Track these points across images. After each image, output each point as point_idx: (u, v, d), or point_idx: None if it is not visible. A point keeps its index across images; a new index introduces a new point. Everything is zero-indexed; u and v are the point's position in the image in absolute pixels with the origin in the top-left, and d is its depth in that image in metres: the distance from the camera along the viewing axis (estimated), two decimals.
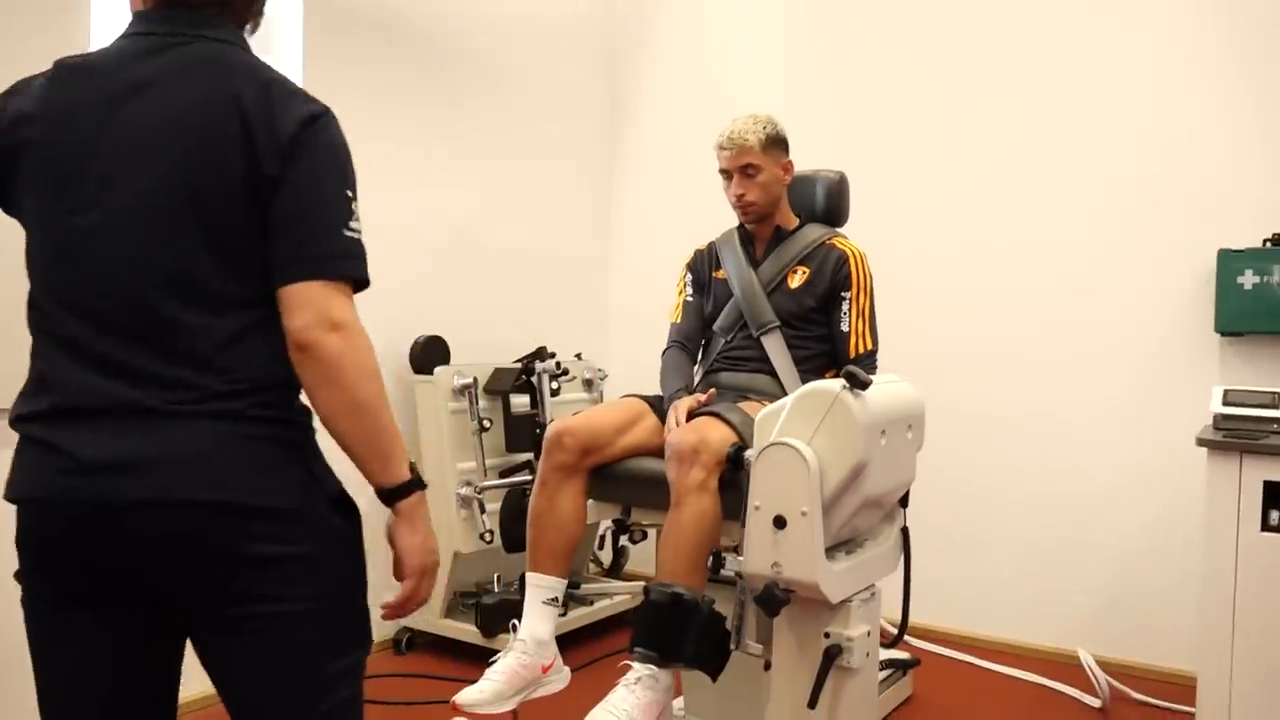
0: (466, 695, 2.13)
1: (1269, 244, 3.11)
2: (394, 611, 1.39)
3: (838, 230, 2.74)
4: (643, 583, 2.58)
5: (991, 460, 3.62)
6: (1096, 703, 3.09)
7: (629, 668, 2.05)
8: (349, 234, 1.33)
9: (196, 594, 1.25)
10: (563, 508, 2.35)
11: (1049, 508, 3.52)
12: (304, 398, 1.31)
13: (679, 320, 2.78)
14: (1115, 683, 3.15)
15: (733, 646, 2.07)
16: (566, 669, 2.32)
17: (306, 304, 1.25)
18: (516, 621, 2.29)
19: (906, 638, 3.56)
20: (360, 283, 1.33)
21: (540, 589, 2.29)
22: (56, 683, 1.30)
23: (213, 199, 1.25)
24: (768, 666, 2.14)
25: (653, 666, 2.04)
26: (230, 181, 1.25)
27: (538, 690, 2.24)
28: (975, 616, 3.65)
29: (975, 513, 3.66)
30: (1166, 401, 3.30)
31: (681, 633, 2.03)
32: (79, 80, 1.30)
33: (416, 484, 1.35)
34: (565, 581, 2.33)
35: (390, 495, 1.33)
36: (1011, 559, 3.59)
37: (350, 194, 1.37)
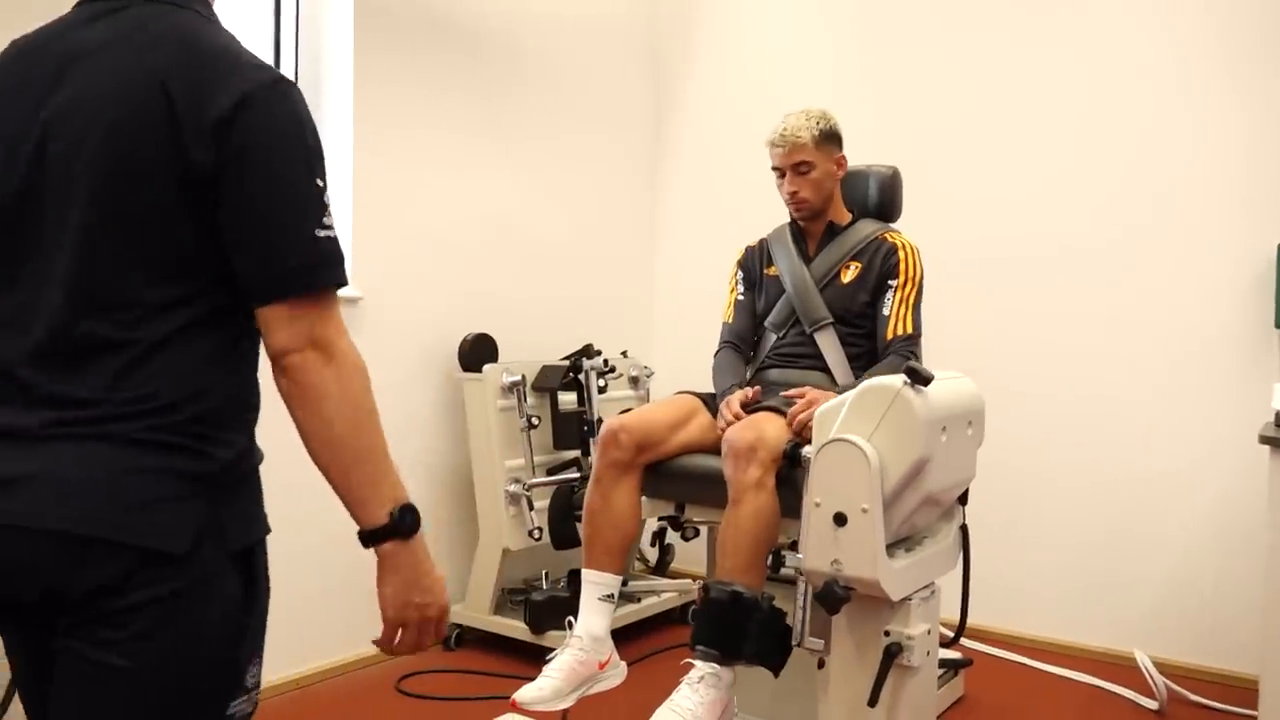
0: (526, 693, 2.14)
1: None
2: (384, 649, 1.26)
3: (891, 225, 2.72)
4: (689, 580, 2.58)
5: (1047, 457, 3.58)
6: (1153, 705, 3.04)
7: (691, 666, 2.05)
8: (322, 235, 1.13)
9: (46, 627, 1.09)
10: (618, 505, 2.35)
11: (1104, 505, 3.47)
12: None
13: (730, 320, 2.78)
14: (1173, 685, 3.10)
15: (794, 643, 2.06)
16: (623, 664, 2.33)
17: (284, 325, 1.11)
18: (572, 619, 2.29)
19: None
20: (340, 285, 1.16)
21: (596, 585, 2.30)
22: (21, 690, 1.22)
23: (129, 197, 1.07)
24: (821, 665, 2.13)
25: (715, 665, 2.03)
26: (151, 176, 1.07)
27: (595, 686, 2.25)
28: (1028, 616, 3.60)
29: (1028, 510, 3.61)
30: (1225, 397, 3.25)
31: (742, 631, 2.03)
32: (23, 60, 1.16)
33: (394, 530, 1.17)
34: (620, 578, 2.33)
35: (365, 538, 1.18)
36: (1065, 558, 3.54)
37: (319, 183, 1.15)
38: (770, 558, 2.11)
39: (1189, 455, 3.32)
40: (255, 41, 3.28)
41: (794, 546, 2.09)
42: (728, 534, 2.14)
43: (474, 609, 3.45)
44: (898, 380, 1.91)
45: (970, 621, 3.60)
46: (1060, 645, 3.52)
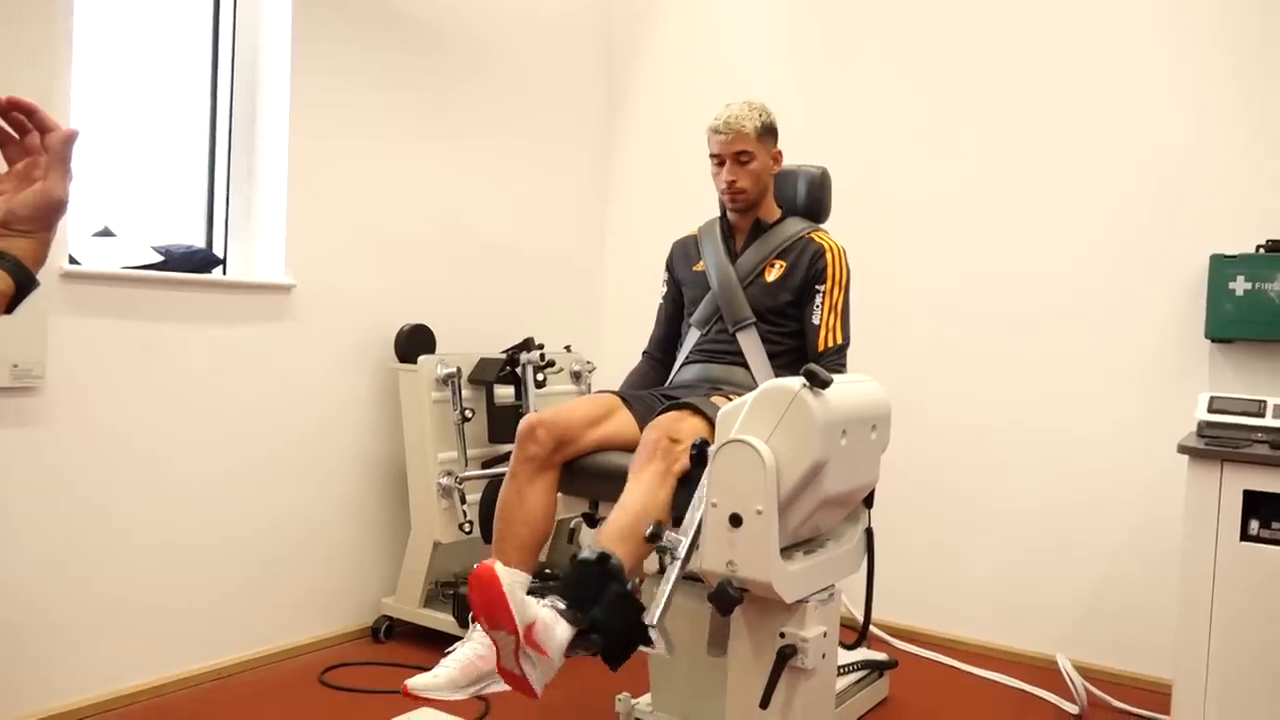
0: (419, 680, 2.09)
1: (1262, 250, 3.07)
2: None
3: (819, 225, 2.72)
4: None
5: (977, 463, 3.59)
6: (1074, 709, 3.06)
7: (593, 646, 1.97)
8: None
9: None
10: (532, 501, 2.32)
11: (1034, 512, 3.49)
12: None
13: (655, 326, 2.85)
14: (1093, 689, 3.12)
15: (647, 620, 1.98)
16: None
17: None
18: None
19: (885, 637, 3.60)
20: None
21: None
22: None
23: None
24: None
25: (558, 607, 1.94)
26: None
27: (493, 684, 2.17)
28: (956, 619, 3.62)
29: (959, 516, 3.63)
30: (1155, 407, 3.27)
31: (597, 593, 1.95)
32: None
33: None
34: (530, 576, 2.29)
35: None
36: (994, 563, 3.56)
37: None
38: (651, 527, 2.05)
39: (1118, 465, 3.34)
40: (193, 24, 3.25)
41: (676, 524, 2.07)
42: (617, 510, 2.12)
43: (404, 601, 3.44)
44: (796, 383, 1.91)
45: (899, 622, 3.66)
46: (987, 648, 3.54)
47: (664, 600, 2.00)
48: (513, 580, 1.87)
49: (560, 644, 1.89)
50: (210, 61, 3.29)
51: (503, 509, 2.34)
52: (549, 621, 1.88)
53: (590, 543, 2.14)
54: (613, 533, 2.08)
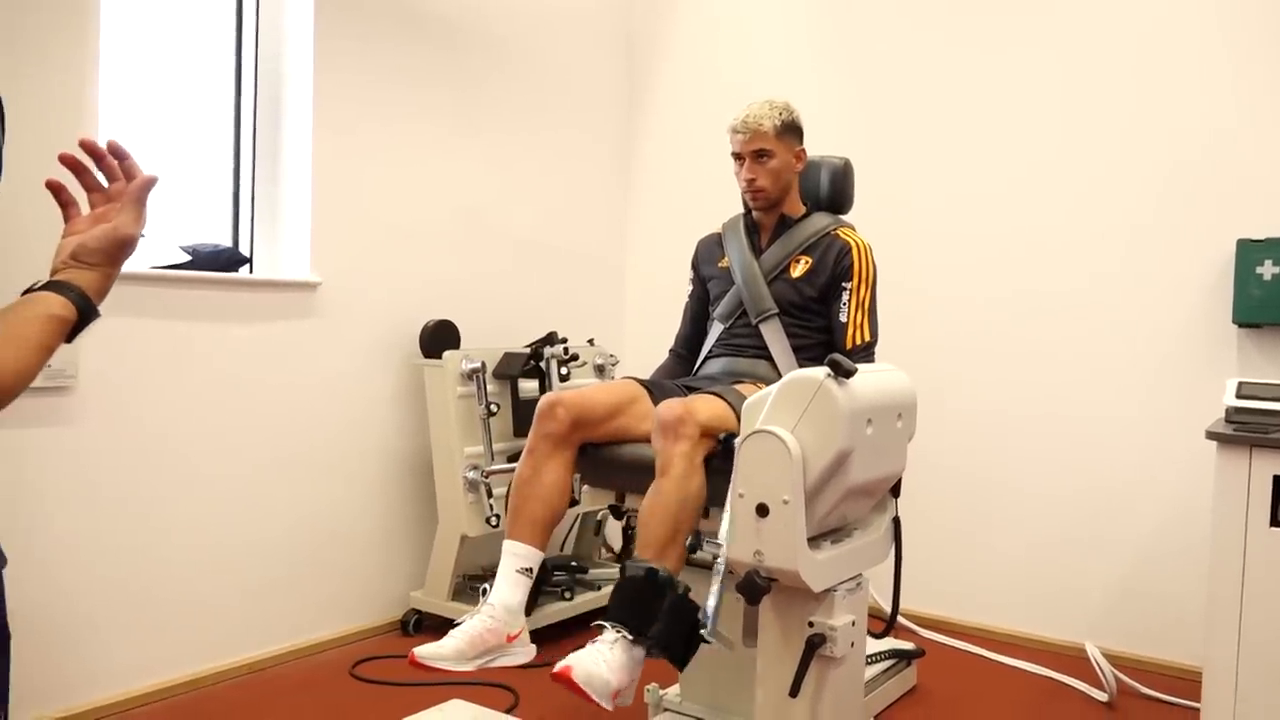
0: (426, 649, 2.10)
1: None
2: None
3: (844, 220, 2.71)
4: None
5: (1005, 451, 3.58)
6: (1103, 696, 3.05)
7: (601, 629, 2.03)
8: None
9: None
10: (547, 478, 2.31)
11: (1062, 500, 3.48)
12: None
13: (681, 325, 2.86)
14: (1123, 676, 3.11)
15: (705, 633, 2.03)
16: (532, 646, 2.25)
17: None
18: (488, 586, 2.24)
19: (912, 627, 3.60)
20: None
21: (516, 557, 2.24)
22: None
23: None
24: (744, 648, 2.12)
25: (626, 634, 2.01)
26: None
27: (500, 659, 2.18)
28: (983, 608, 3.62)
29: (987, 504, 3.62)
30: (1183, 393, 3.25)
31: (653, 611, 2.01)
32: None
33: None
34: (542, 554, 2.28)
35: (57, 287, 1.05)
36: (1022, 551, 3.55)
37: None
38: (690, 538, 2.09)
39: (1146, 452, 3.32)
40: (216, 22, 3.28)
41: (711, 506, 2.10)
42: (650, 508, 2.11)
43: (432, 594, 3.47)
44: (820, 372, 1.91)
45: (927, 612, 3.66)
46: (1015, 637, 3.53)
47: (714, 611, 2.03)
48: (588, 676, 1.94)
49: (635, 680, 2.03)
50: (234, 61, 3.32)
51: (519, 485, 2.33)
52: (627, 680, 2.00)
53: (605, 538, 2.17)
54: (653, 541, 2.09)
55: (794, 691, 1.95)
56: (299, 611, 3.29)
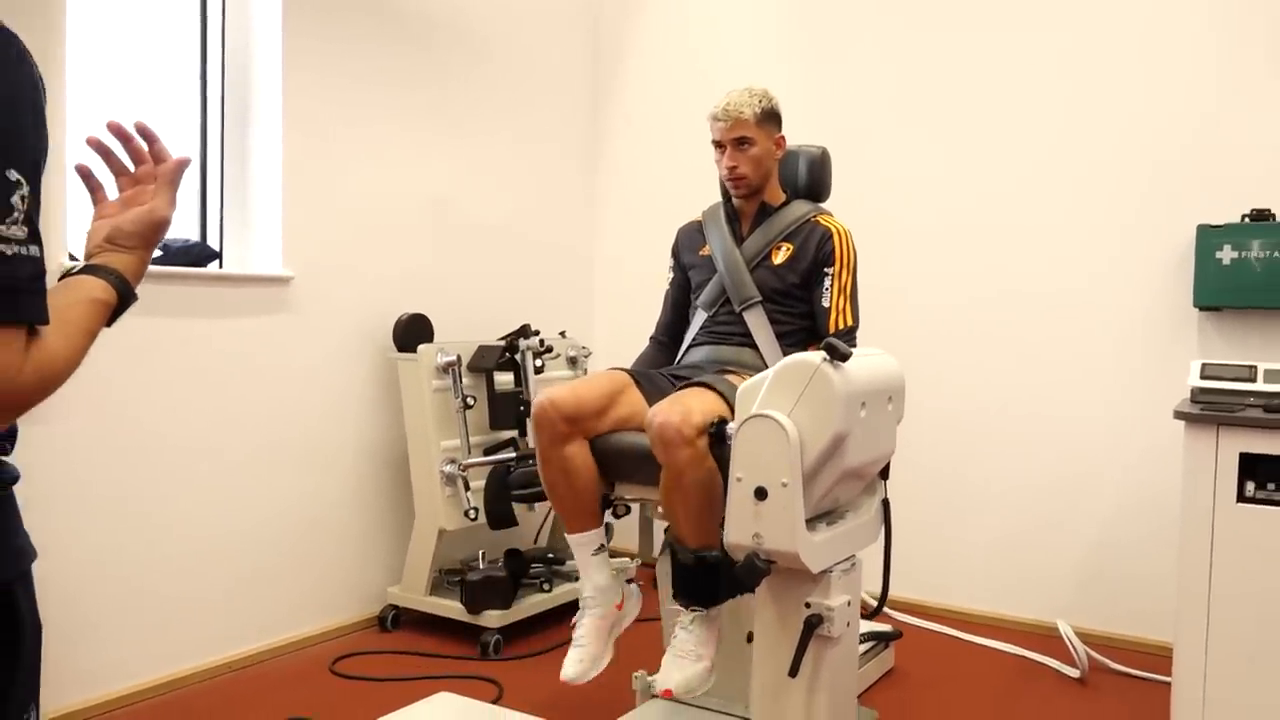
0: (570, 669, 2.29)
1: (1247, 219, 3.14)
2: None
3: (823, 207, 2.74)
4: (626, 559, 2.61)
5: (974, 436, 3.65)
6: (1075, 673, 3.13)
7: (680, 611, 2.22)
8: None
9: None
10: (574, 467, 2.37)
11: (1031, 482, 3.55)
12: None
13: (662, 312, 2.87)
14: (1094, 653, 3.19)
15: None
16: (636, 590, 2.50)
17: None
18: (576, 622, 2.40)
19: (889, 610, 3.66)
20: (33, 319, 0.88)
21: (583, 545, 2.39)
22: None
23: None
24: (750, 638, 2.16)
25: (701, 611, 2.20)
26: None
27: (622, 626, 2.43)
28: (957, 590, 3.69)
29: (957, 488, 3.69)
30: (1146, 376, 3.34)
31: (716, 583, 2.17)
32: None
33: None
34: (602, 529, 2.42)
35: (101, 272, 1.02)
36: (995, 535, 3.63)
37: (14, 175, 0.84)
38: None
39: (1112, 432, 3.41)
40: (182, 16, 3.22)
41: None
42: (678, 507, 2.18)
43: (410, 590, 3.45)
44: (816, 357, 1.94)
45: (902, 595, 3.72)
46: (989, 618, 3.60)
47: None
48: (686, 683, 2.18)
49: (719, 635, 2.26)
50: (200, 54, 3.27)
51: (551, 490, 2.41)
52: (714, 644, 2.24)
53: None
54: (690, 531, 2.19)
55: (793, 671, 1.98)
56: (277, 609, 3.25)
